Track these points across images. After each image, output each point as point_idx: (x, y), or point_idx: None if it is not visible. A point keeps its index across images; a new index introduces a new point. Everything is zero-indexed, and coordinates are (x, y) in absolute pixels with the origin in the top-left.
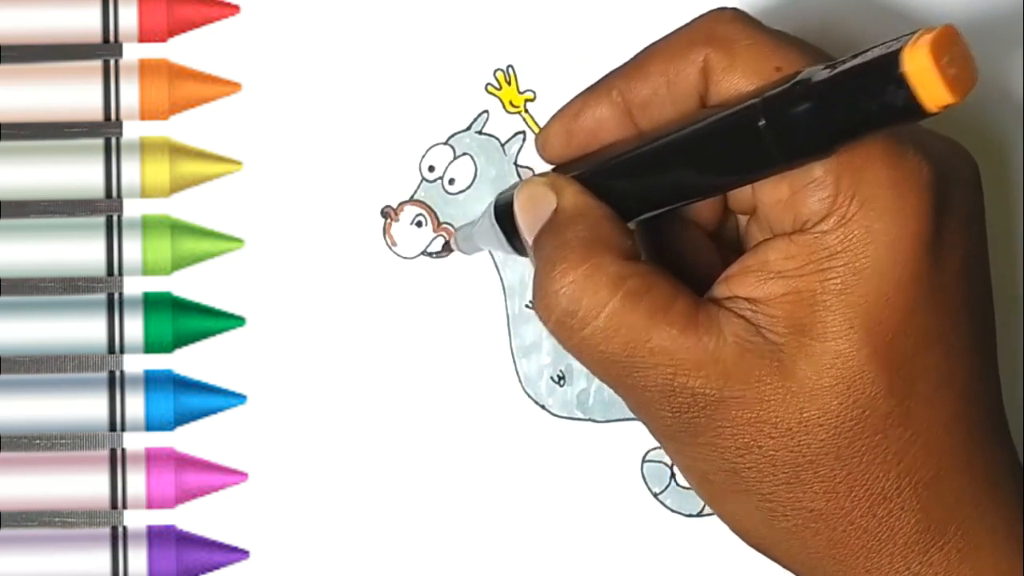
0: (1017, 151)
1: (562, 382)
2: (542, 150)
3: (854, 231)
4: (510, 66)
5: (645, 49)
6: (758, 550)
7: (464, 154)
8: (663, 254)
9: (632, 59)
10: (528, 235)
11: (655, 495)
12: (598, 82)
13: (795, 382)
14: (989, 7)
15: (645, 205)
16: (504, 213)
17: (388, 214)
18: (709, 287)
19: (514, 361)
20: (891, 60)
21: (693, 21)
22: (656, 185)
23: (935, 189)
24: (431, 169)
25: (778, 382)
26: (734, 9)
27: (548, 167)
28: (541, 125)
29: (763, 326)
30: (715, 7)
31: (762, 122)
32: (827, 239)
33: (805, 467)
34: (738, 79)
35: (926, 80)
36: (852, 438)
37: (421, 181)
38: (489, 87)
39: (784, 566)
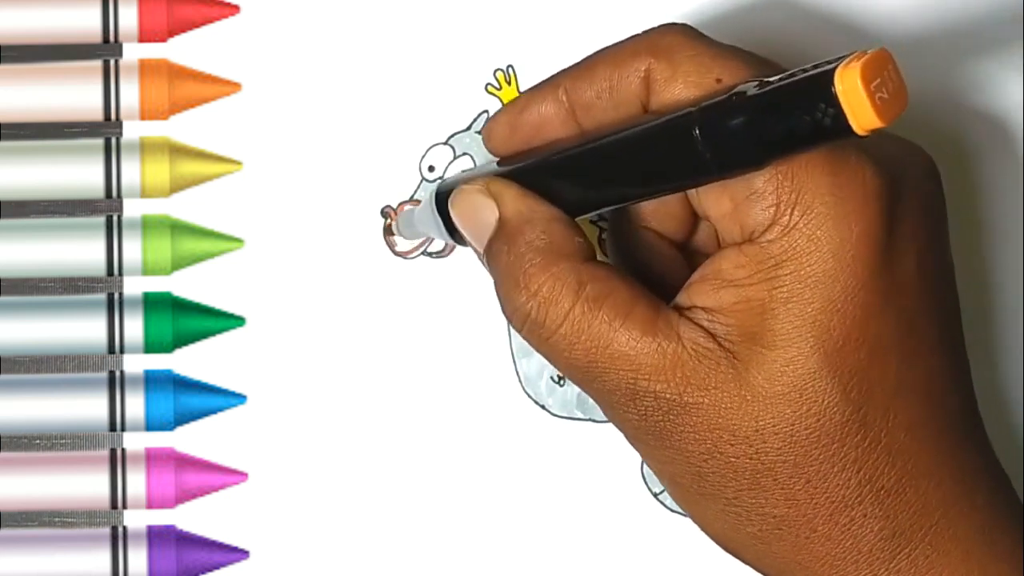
0: (1017, 153)
1: (562, 382)
2: (487, 141)
3: (797, 240)
4: (510, 66)
5: (595, 52)
6: (729, 553)
7: (464, 154)
8: (631, 262)
9: (581, 60)
10: (477, 246)
11: (655, 495)
12: (547, 80)
13: (749, 390)
14: (989, 7)
15: (586, 204)
16: (444, 205)
17: (388, 214)
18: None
19: (514, 361)
20: (824, 79)
21: (641, 32)
22: (595, 185)
23: (882, 192)
24: (431, 169)
25: (734, 390)
26: (682, 24)
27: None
28: None
29: (718, 335)
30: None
31: (696, 131)
32: (772, 248)
33: (764, 474)
34: (679, 89)
35: (855, 101)
36: (808, 446)
37: (421, 181)
38: (489, 87)
39: (755, 570)
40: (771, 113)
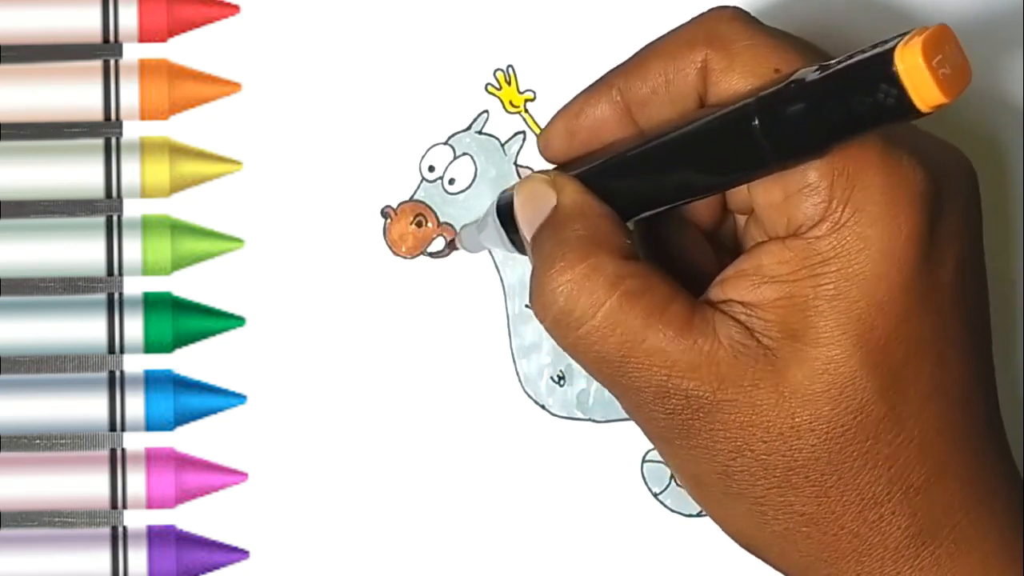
0: (1016, 153)
1: (562, 382)
2: (544, 150)
3: (847, 237)
4: (510, 66)
5: (646, 47)
6: (750, 552)
7: (464, 154)
8: (661, 254)
9: (632, 57)
10: (527, 232)
11: (655, 495)
12: (599, 80)
13: (787, 387)
14: (989, 7)
15: (642, 204)
16: (506, 211)
17: (388, 214)
18: (705, 288)
19: (514, 361)
20: (884, 59)
21: (693, 20)
22: (653, 184)
23: (929, 196)
24: (431, 169)
25: (771, 387)
26: (734, 8)
27: (549, 167)
28: (541, 125)
29: (757, 330)
30: (715, 5)
31: (756, 122)
32: (820, 244)
33: (797, 471)
34: (736, 80)
35: (918, 79)
36: (843, 443)
37: (421, 181)
38: (489, 87)
39: (776, 568)
40: (831, 98)
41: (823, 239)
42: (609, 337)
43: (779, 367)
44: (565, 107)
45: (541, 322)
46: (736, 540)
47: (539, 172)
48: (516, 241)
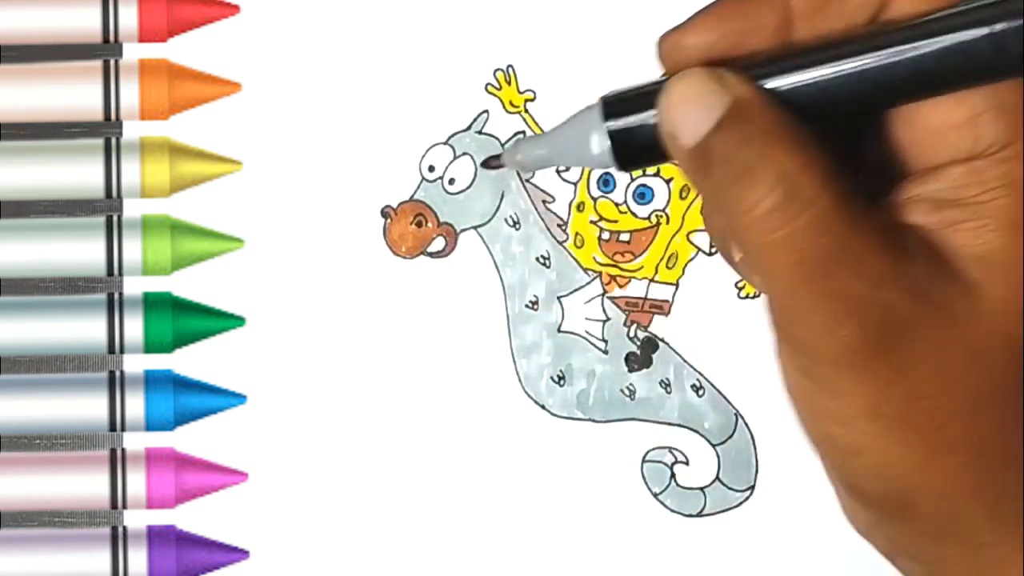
0: None
1: (562, 382)
2: (671, 51)
3: None
4: (510, 66)
5: None
6: (891, 499)
7: (464, 154)
8: None
9: None
10: (690, 134)
11: (655, 495)
12: None
13: (983, 304)
14: None
15: (824, 112)
16: (625, 110)
17: (388, 214)
18: None
19: (514, 361)
20: None
21: None
22: (846, 90)
23: None
24: (431, 169)
25: (967, 304)
26: None
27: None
28: (541, 125)
29: (947, 252)
30: None
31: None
32: (1010, 166)
33: (985, 396)
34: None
35: None
36: None
37: (421, 181)
38: (489, 87)
39: (916, 515)
40: None
41: (1013, 160)
42: (816, 240)
43: (973, 287)
44: (709, 9)
45: (717, 241)
46: (880, 485)
47: (695, 68)
48: (622, 151)
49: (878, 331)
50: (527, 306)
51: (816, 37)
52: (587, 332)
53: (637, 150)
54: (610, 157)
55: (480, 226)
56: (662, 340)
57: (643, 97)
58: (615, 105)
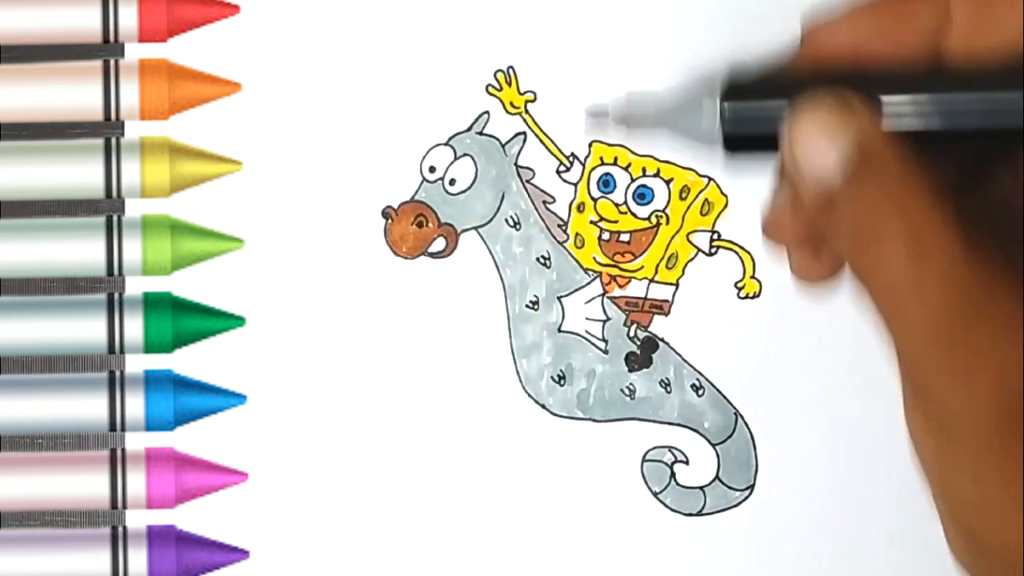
0: None
1: (562, 382)
2: (818, 42)
3: None
4: (511, 67)
5: None
6: (1008, 551)
7: (465, 155)
8: None
9: None
10: (813, 172)
11: (655, 494)
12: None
13: None
14: None
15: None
16: (745, 93)
17: (389, 214)
18: None
19: (514, 361)
20: None
21: None
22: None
23: None
24: (432, 170)
25: None
26: None
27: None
28: (542, 126)
29: None
30: None
31: None
32: None
33: None
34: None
35: None
36: None
37: (422, 181)
38: (490, 88)
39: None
40: None
41: None
42: (952, 290)
43: None
44: (866, 3)
45: (852, 263)
46: (1002, 537)
47: (827, 98)
48: (732, 134)
49: (1015, 386)
50: (527, 306)
51: (969, 55)
52: (587, 332)
53: (747, 138)
54: (718, 136)
55: (481, 226)
56: (662, 340)
57: (768, 85)
58: (736, 84)
